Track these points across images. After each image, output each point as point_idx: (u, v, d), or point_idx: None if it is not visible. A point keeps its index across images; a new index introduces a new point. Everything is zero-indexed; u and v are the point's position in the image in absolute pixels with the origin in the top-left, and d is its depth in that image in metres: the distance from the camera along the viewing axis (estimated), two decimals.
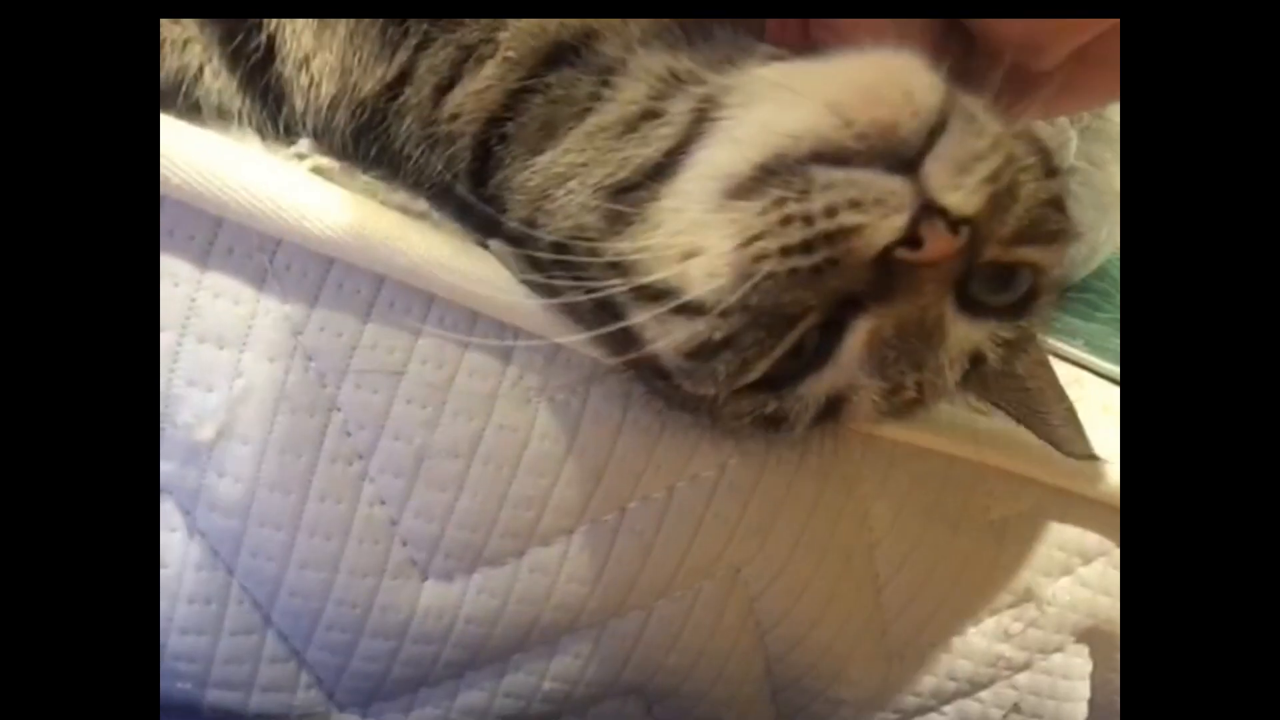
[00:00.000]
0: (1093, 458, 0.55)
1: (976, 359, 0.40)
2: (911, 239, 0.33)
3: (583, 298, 0.39)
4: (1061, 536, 0.61)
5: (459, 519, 0.46)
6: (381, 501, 0.45)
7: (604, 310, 0.39)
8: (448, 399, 0.43)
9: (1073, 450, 0.53)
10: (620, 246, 0.37)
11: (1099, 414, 0.67)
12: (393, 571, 0.47)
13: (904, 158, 0.33)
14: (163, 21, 0.38)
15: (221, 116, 0.40)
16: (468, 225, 0.44)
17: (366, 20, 0.40)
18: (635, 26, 0.42)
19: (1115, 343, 0.96)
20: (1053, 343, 0.71)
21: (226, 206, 0.38)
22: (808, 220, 0.33)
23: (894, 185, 0.33)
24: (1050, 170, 0.38)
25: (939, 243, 0.33)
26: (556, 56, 0.41)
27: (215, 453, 0.42)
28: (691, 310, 0.36)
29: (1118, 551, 0.63)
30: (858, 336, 0.37)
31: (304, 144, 0.41)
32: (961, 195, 0.33)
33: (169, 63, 0.39)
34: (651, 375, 0.42)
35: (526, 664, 0.51)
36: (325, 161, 0.41)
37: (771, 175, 0.34)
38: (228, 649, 0.46)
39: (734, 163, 0.35)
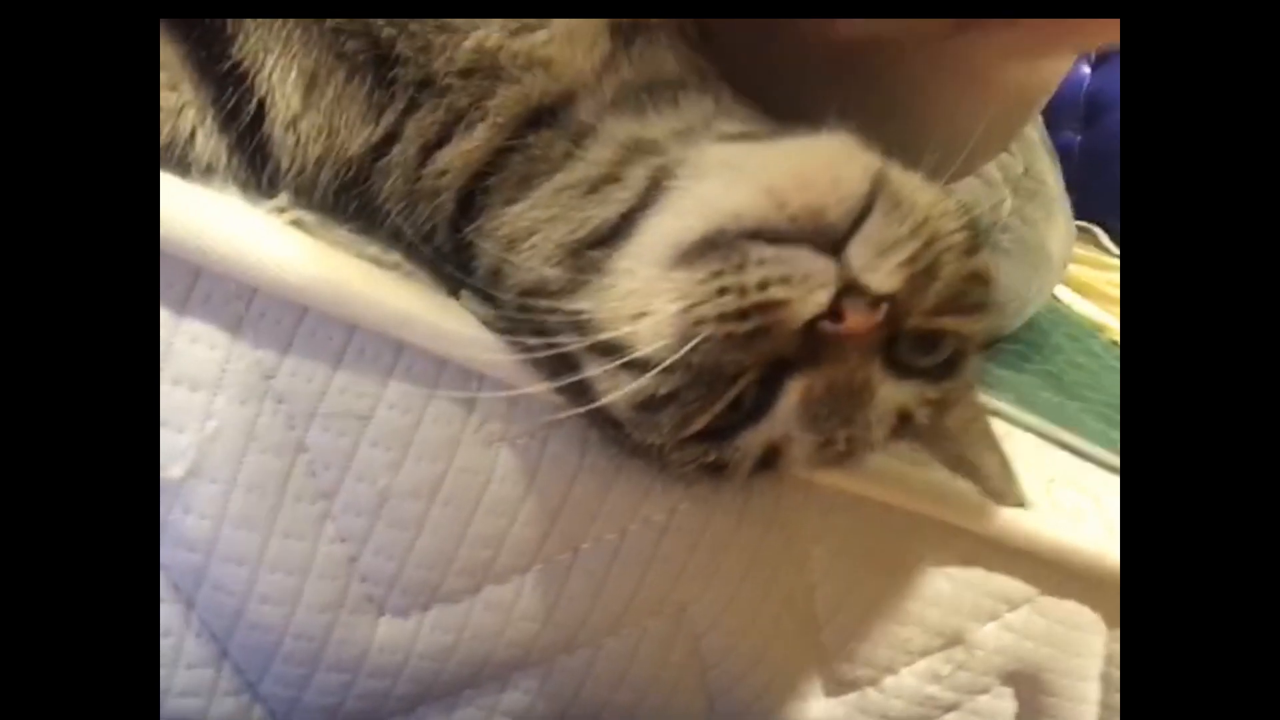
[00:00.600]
0: (1023, 506, 0.59)
1: (904, 416, 0.44)
2: (834, 313, 0.37)
3: (543, 352, 0.42)
4: (989, 583, 0.64)
5: (418, 557, 0.48)
6: (342, 539, 0.47)
7: (562, 362, 0.42)
8: (412, 443, 0.45)
9: (1006, 500, 0.57)
10: (578, 304, 0.40)
11: (1025, 468, 0.71)
12: (350, 607, 0.48)
13: (831, 239, 0.37)
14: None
15: (207, 173, 0.42)
16: (439, 277, 0.46)
17: (355, 84, 0.43)
18: (608, 92, 0.45)
19: (1044, 395, 1.00)
20: (983, 398, 0.74)
21: (207, 256, 0.40)
22: (742, 291, 0.37)
23: (820, 264, 0.37)
24: (974, 247, 0.41)
25: (858, 318, 0.37)
26: (537, 119, 0.45)
27: (184, 490, 0.43)
28: (639, 366, 0.39)
29: (1041, 599, 0.66)
30: (791, 394, 0.41)
31: (284, 198, 0.42)
32: (881, 275, 0.37)
33: (164, 130, 0.40)
34: (605, 424, 0.44)
35: (477, 699, 0.53)
36: (304, 215, 0.42)
37: (713, 247, 0.38)
38: (183, 682, 0.47)
39: (681, 232, 0.39)
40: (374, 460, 0.45)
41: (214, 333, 0.41)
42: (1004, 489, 0.56)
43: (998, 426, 0.72)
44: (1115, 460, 0.83)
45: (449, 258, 0.45)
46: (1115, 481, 0.82)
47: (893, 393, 0.42)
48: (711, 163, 0.40)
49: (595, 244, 0.41)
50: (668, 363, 0.38)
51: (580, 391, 0.42)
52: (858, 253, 0.37)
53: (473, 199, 0.45)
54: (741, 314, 0.37)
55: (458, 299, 0.45)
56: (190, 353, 0.41)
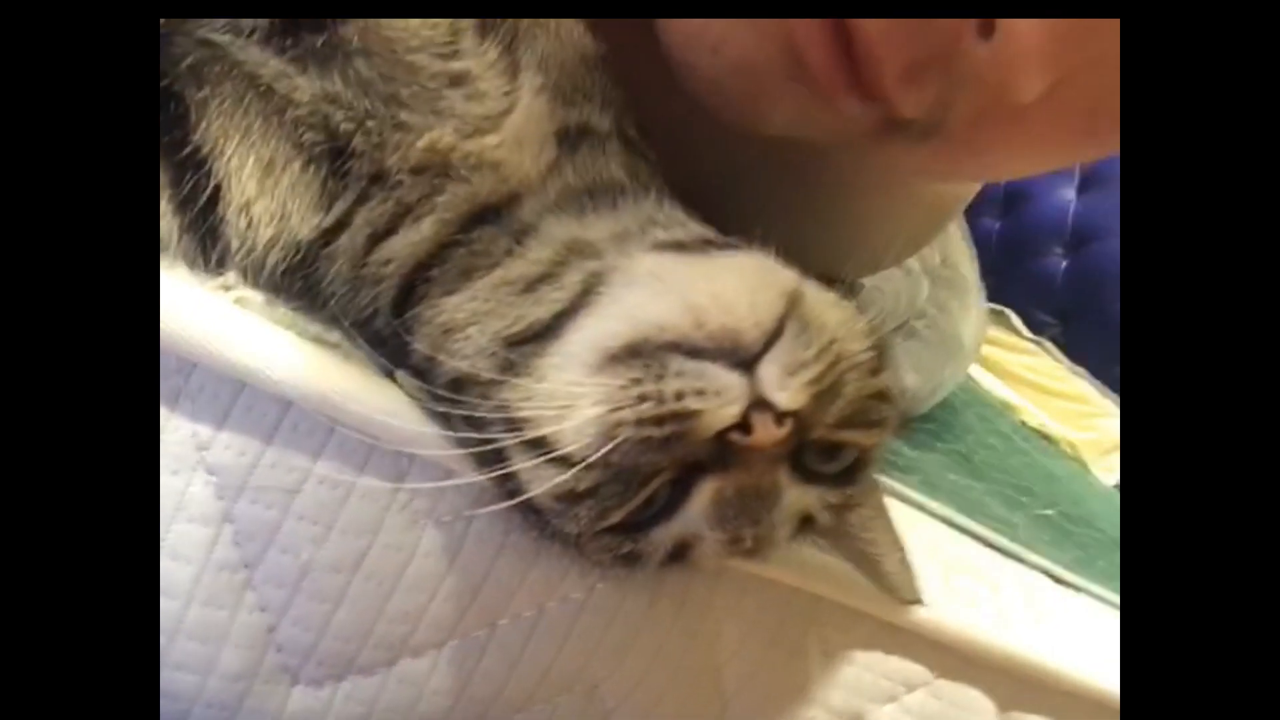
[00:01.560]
0: (919, 603, 0.62)
1: (806, 518, 0.47)
2: (744, 425, 0.40)
3: (474, 447, 0.44)
4: (888, 666, 0.67)
5: (335, 629, 0.48)
6: (262, 609, 0.47)
7: (491, 452, 0.44)
8: (338, 518, 0.46)
9: (903, 596, 0.60)
10: (505, 398, 0.42)
11: (926, 554, 0.74)
12: (265, 676, 0.48)
13: (743, 359, 0.40)
14: None
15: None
16: (378, 357, 0.47)
17: (310, 173, 0.45)
18: (551, 194, 0.48)
19: (950, 478, 1.05)
20: (889, 482, 0.78)
21: None
22: (660, 399, 0.40)
23: (732, 380, 0.40)
24: (878, 367, 0.45)
25: (764, 431, 0.40)
26: (482, 216, 0.47)
27: None
28: (561, 462, 0.42)
29: (938, 682, 0.70)
30: (702, 495, 0.44)
31: (231, 276, 0.44)
32: (788, 394, 0.40)
33: None
34: (528, 511, 0.47)
35: None
36: (249, 294, 0.44)
37: (635, 355, 0.41)
38: None
39: (606, 337, 0.42)
40: (299, 533, 0.46)
41: None
42: (901, 585, 0.59)
43: (901, 511, 0.76)
44: (1014, 547, 0.88)
45: (386, 342, 0.47)
46: (1013, 568, 0.86)
47: (798, 496, 0.45)
48: (641, 272, 0.43)
49: (526, 340, 0.43)
50: (588, 461, 0.40)
51: (506, 481, 0.44)
52: (768, 372, 0.40)
53: (414, 288, 0.47)
54: (658, 420, 0.40)
55: (394, 379, 0.47)
56: None
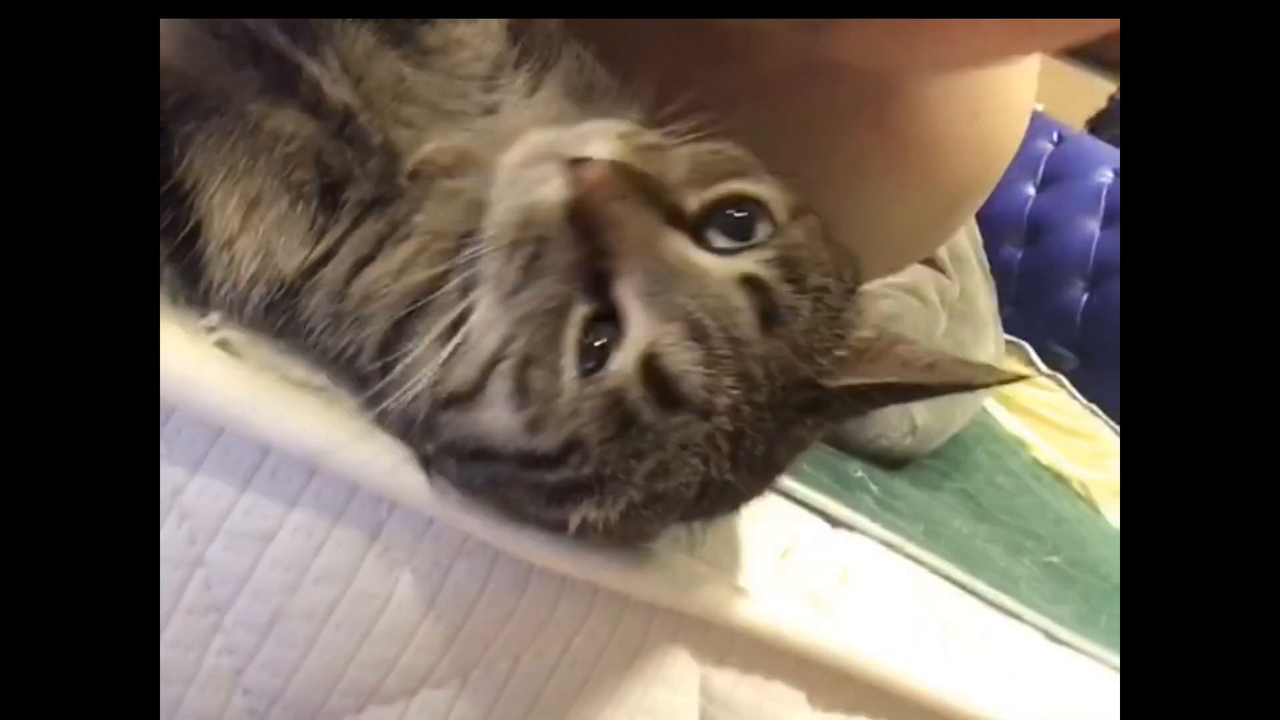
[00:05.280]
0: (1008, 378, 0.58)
1: (756, 284, 0.43)
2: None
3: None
4: None
5: (304, 676, 0.47)
6: (230, 652, 0.46)
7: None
8: (312, 566, 0.45)
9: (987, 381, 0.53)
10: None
11: (923, 609, 0.73)
12: (231, 718, 0.47)
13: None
14: None
15: None
16: (364, 400, 0.46)
17: (299, 210, 0.43)
18: None
19: (955, 524, 1.03)
20: (890, 535, 0.77)
21: None
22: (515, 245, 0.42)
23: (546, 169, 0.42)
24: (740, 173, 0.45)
25: (588, 172, 0.41)
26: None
27: None
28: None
29: None
30: (624, 293, 0.41)
31: (214, 317, 0.43)
32: (593, 148, 0.42)
33: None
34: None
35: None
36: (233, 335, 0.43)
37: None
38: None
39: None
40: (271, 580, 0.45)
41: None
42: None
43: (899, 565, 0.74)
44: (1013, 605, 0.86)
45: (369, 381, 0.45)
46: (1009, 625, 0.84)
47: (722, 265, 0.42)
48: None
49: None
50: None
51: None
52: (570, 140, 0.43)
53: (402, 328, 0.45)
54: (516, 246, 0.42)
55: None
56: None
